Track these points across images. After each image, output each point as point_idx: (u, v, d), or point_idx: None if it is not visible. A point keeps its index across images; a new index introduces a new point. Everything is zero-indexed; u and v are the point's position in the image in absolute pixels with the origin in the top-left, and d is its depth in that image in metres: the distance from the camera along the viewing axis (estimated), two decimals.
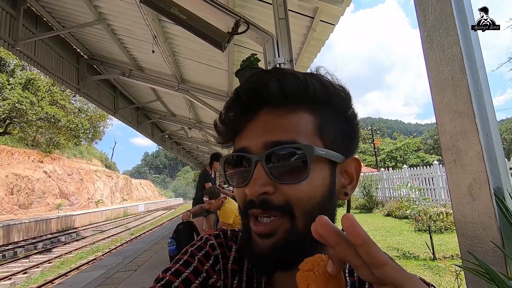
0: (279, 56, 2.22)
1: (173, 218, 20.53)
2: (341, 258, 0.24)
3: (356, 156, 0.44)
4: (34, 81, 15.05)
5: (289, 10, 2.33)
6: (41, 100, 15.11)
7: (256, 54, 2.40)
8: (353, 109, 0.43)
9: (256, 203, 0.37)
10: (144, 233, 15.20)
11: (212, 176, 4.99)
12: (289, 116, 0.39)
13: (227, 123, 0.43)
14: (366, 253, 0.23)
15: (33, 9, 4.49)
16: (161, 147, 17.63)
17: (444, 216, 6.84)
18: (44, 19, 4.75)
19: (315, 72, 0.42)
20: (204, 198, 3.92)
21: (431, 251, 5.13)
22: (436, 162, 10.15)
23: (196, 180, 5.17)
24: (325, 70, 0.43)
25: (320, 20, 3.07)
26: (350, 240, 0.23)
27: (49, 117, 15.18)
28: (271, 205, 0.37)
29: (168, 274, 0.42)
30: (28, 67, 15.90)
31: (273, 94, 0.38)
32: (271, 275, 0.38)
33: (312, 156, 0.36)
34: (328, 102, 0.41)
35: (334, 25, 3.09)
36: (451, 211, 6.63)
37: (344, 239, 0.23)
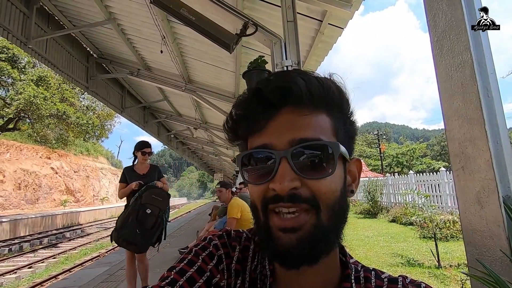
0: (286, 59, 2.22)
1: (176, 217, 20.61)
2: None
3: (357, 157, 0.47)
4: (46, 78, 15.31)
5: (297, 13, 2.33)
6: (52, 96, 15.36)
7: (263, 56, 2.40)
8: (354, 115, 0.46)
9: (284, 198, 0.38)
10: None
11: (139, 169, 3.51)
12: (312, 115, 0.40)
13: (242, 120, 0.43)
14: None
15: (46, 8, 4.57)
16: (166, 147, 17.72)
17: (451, 223, 6.74)
18: (56, 18, 4.84)
19: (328, 77, 0.44)
20: (217, 186, 4.13)
21: (436, 258, 5.05)
22: (443, 168, 10.01)
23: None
24: (338, 78, 0.44)
25: (329, 24, 3.06)
26: None
27: (60, 113, 15.41)
28: (300, 198, 0.38)
29: (172, 273, 0.43)
30: (38, 65, 16.17)
31: (300, 94, 0.39)
32: (298, 269, 0.39)
33: (338, 153, 0.39)
34: (340, 106, 0.43)
35: (342, 28, 3.08)
36: (458, 218, 6.54)
37: None
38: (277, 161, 0.38)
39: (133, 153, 3.59)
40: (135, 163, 3.59)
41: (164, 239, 3.47)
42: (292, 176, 0.38)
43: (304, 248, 0.38)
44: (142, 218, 3.19)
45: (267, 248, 0.41)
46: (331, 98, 0.41)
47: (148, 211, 3.23)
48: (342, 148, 0.40)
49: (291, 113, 0.40)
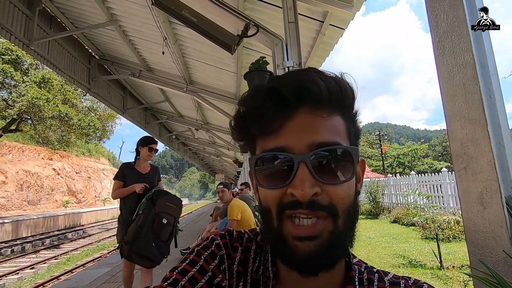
0: (288, 59, 2.23)
1: None
2: None
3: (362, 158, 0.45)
4: (49, 80, 15.37)
5: (298, 13, 2.33)
6: (54, 97, 15.41)
7: (265, 57, 2.41)
8: (360, 113, 0.45)
9: (304, 205, 0.36)
10: None
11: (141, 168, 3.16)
12: (329, 117, 0.39)
13: (255, 119, 0.40)
14: None
15: (48, 9, 4.60)
16: (168, 148, 17.74)
17: (453, 224, 6.71)
18: (58, 19, 4.86)
19: (340, 76, 0.42)
20: (219, 186, 4.02)
21: (439, 259, 5.03)
22: (444, 169, 9.97)
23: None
24: (349, 76, 0.43)
25: (330, 24, 3.07)
26: None
27: (62, 115, 15.47)
28: (319, 206, 0.37)
29: (175, 273, 0.42)
30: (40, 66, 16.25)
31: (320, 94, 0.38)
32: (316, 276, 0.38)
33: (358, 158, 0.39)
34: (352, 107, 0.43)
35: (343, 29, 3.09)
36: (460, 219, 6.51)
37: None
38: (295, 165, 0.37)
39: (136, 148, 3.15)
40: (137, 159, 3.14)
41: (176, 246, 3.17)
42: (312, 182, 0.36)
43: (323, 256, 0.37)
44: (157, 229, 2.84)
45: (282, 256, 0.40)
46: (346, 100, 0.41)
47: (164, 221, 2.88)
48: (359, 153, 0.40)
49: (309, 114, 0.38)
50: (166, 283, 0.41)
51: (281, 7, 2.39)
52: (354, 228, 0.41)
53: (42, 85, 15.15)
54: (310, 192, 0.36)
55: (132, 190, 2.95)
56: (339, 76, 0.42)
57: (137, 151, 3.15)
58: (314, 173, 0.36)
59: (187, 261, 0.44)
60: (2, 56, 14.22)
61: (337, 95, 0.39)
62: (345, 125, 0.40)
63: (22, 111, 14.59)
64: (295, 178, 0.37)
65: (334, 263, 0.39)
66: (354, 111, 0.43)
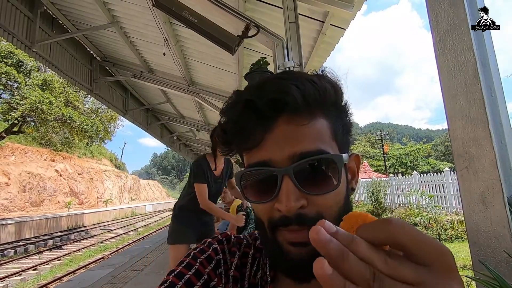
0: (288, 60, 2.22)
1: None
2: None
3: (356, 152, 0.45)
4: (51, 83, 15.45)
5: (299, 14, 2.33)
6: (56, 100, 15.48)
7: (265, 58, 2.41)
8: (347, 104, 0.43)
9: (293, 219, 0.36)
10: (151, 233, 15.32)
11: (213, 168, 2.47)
12: (310, 124, 0.38)
13: (235, 133, 0.40)
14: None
15: (50, 11, 4.62)
16: (169, 148, 17.78)
17: (455, 224, 6.68)
18: (60, 21, 4.89)
19: (321, 73, 0.42)
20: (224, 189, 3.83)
21: None
22: (447, 169, 9.94)
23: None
24: (330, 70, 0.42)
25: (331, 24, 3.06)
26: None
27: (64, 117, 15.53)
28: (306, 219, 0.36)
29: (171, 276, 0.43)
30: (42, 69, 16.34)
31: (295, 103, 0.36)
32: (308, 283, 0.38)
33: (342, 165, 0.37)
34: (335, 103, 0.41)
35: (344, 29, 3.08)
36: (463, 219, 6.49)
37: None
38: (279, 179, 0.36)
39: (214, 137, 2.27)
40: (214, 154, 2.41)
41: None
42: (297, 195, 0.36)
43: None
44: None
45: (278, 262, 0.40)
46: (328, 100, 0.39)
47: None
48: (346, 157, 0.38)
49: (287, 123, 0.37)
50: (163, 287, 0.42)
51: (281, 8, 2.38)
52: None
53: (45, 87, 15.22)
54: (295, 206, 0.36)
55: (233, 223, 2.46)
56: (320, 73, 0.41)
57: (214, 142, 2.36)
58: (299, 185, 0.36)
59: (183, 264, 0.44)
60: (5, 60, 14.30)
61: (316, 99, 0.38)
62: (330, 125, 0.39)
63: (25, 114, 14.67)
64: (280, 192, 0.36)
65: None
66: (340, 105, 0.42)
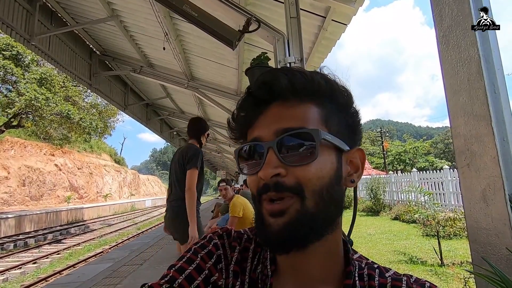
0: (289, 55, 2.21)
1: None
2: None
3: (361, 147, 0.47)
4: (50, 77, 15.29)
5: (300, 9, 2.31)
6: (55, 95, 15.35)
7: (266, 53, 2.39)
8: (355, 108, 0.47)
9: (271, 186, 0.40)
10: (150, 228, 15.38)
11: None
12: (298, 106, 0.42)
13: (240, 119, 0.46)
14: None
15: (49, 4, 4.58)
16: (169, 144, 17.77)
17: (453, 221, 6.70)
18: (59, 14, 4.84)
19: (319, 71, 0.46)
20: (221, 184, 3.99)
21: (439, 256, 5.03)
22: (446, 166, 9.95)
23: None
24: (329, 70, 0.46)
25: (332, 20, 3.04)
26: None
27: (62, 114, 15.42)
28: (283, 187, 0.39)
29: (172, 271, 0.43)
30: (42, 63, 16.20)
31: (283, 88, 0.42)
32: (287, 253, 0.40)
33: (319, 139, 0.40)
34: (331, 96, 0.44)
35: (346, 25, 3.06)
36: (461, 216, 6.50)
37: None
38: (265, 151, 0.41)
39: (198, 137, 2.73)
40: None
41: None
42: (276, 164, 0.40)
43: (290, 232, 0.39)
44: None
45: (260, 236, 0.43)
46: (317, 89, 0.43)
47: None
48: (328, 135, 0.41)
49: (278, 107, 0.42)
50: (163, 281, 0.42)
51: (282, 2, 2.36)
52: (331, 213, 0.42)
53: (43, 81, 15.08)
54: (271, 172, 0.39)
55: (190, 228, 2.52)
56: (318, 70, 0.46)
57: (200, 141, 2.69)
58: (280, 156, 0.40)
59: (184, 259, 0.45)
60: (3, 52, 14.18)
61: (304, 87, 0.42)
62: (321, 112, 0.43)
63: (21, 110, 14.60)
64: (264, 163, 0.40)
65: (303, 241, 0.40)
66: (339, 99, 0.45)
